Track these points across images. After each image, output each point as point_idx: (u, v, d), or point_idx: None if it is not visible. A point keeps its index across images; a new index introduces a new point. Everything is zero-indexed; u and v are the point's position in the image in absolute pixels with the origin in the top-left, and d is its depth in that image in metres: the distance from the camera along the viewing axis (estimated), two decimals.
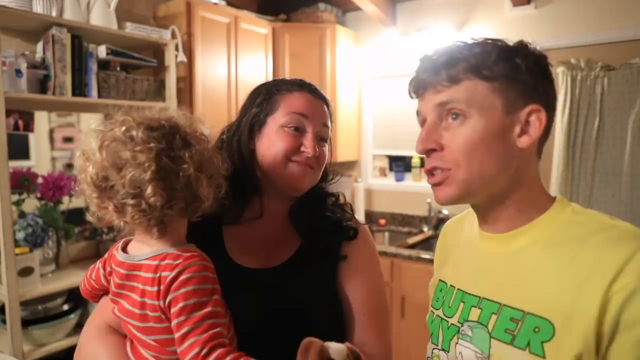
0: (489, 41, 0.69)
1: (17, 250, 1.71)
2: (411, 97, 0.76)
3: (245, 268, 0.86)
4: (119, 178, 0.67)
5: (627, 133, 2.36)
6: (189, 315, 0.66)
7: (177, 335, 0.66)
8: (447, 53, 0.69)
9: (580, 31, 2.48)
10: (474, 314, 0.69)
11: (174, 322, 0.67)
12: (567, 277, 0.61)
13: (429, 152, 0.70)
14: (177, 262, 0.70)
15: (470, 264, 0.76)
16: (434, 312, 0.80)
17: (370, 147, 3.29)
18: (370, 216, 3.27)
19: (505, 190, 0.69)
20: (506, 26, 2.68)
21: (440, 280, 0.82)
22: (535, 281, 0.64)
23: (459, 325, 0.71)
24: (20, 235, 1.84)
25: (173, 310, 0.67)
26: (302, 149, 0.87)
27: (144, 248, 0.74)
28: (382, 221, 3.18)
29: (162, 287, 0.68)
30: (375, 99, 3.24)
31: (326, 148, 0.94)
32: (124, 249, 0.77)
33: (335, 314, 0.87)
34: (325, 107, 0.94)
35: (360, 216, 3.12)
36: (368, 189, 3.29)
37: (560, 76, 2.48)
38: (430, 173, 0.71)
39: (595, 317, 0.57)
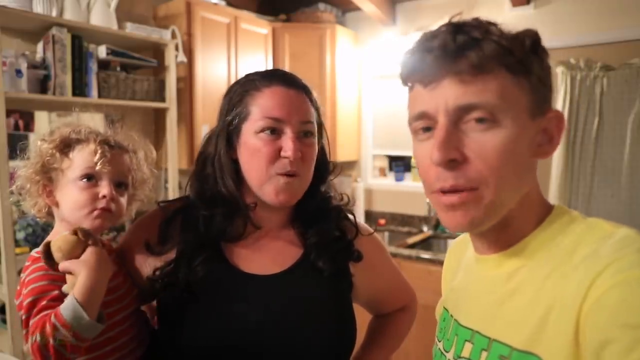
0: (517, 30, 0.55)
1: (17, 250, 1.72)
2: (406, 84, 0.60)
3: (245, 273, 0.85)
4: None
5: (627, 133, 2.36)
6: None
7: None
8: (478, 25, 0.53)
9: (579, 31, 2.48)
10: (467, 349, 0.61)
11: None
12: (546, 303, 0.51)
13: (449, 163, 0.53)
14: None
15: (465, 291, 0.67)
16: (437, 344, 0.72)
17: (370, 147, 3.29)
18: (370, 216, 3.27)
19: (510, 211, 0.57)
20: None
21: (444, 307, 0.74)
22: (520, 310, 0.54)
23: None
24: (21, 235, 1.85)
25: None
26: (282, 153, 0.79)
27: None
28: (382, 221, 3.18)
29: None
30: (375, 99, 3.23)
31: (314, 142, 0.85)
32: None
33: (337, 321, 0.87)
34: (305, 96, 0.85)
35: (360, 216, 3.12)
36: (368, 188, 3.29)
37: (560, 76, 2.49)
38: (449, 191, 0.54)
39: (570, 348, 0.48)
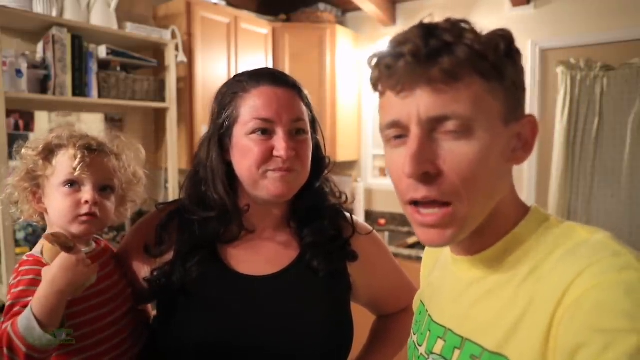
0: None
1: (17, 250, 1.72)
2: (376, 90, 0.58)
3: (240, 274, 0.85)
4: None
5: (627, 133, 2.36)
6: None
7: None
8: (450, 28, 0.51)
9: (579, 31, 2.48)
10: (439, 346, 0.61)
11: None
12: (520, 306, 0.51)
13: (422, 176, 0.51)
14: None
15: (440, 289, 0.67)
16: (412, 337, 0.72)
17: (370, 147, 3.29)
18: (370, 216, 3.27)
19: (485, 218, 0.56)
20: (506, 26, 2.66)
21: (420, 300, 0.74)
22: (494, 312, 0.54)
23: (426, 356, 0.63)
24: (21, 235, 1.85)
25: None
26: (275, 152, 0.79)
27: None
28: (382, 221, 3.18)
29: None
30: (376, 99, 3.22)
31: (307, 139, 0.85)
32: None
33: (332, 323, 0.87)
34: (294, 94, 0.84)
35: (360, 216, 3.12)
36: (368, 188, 3.29)
37: (560, 76, 2.49)
38: (422, 206, 0.53)
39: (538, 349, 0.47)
